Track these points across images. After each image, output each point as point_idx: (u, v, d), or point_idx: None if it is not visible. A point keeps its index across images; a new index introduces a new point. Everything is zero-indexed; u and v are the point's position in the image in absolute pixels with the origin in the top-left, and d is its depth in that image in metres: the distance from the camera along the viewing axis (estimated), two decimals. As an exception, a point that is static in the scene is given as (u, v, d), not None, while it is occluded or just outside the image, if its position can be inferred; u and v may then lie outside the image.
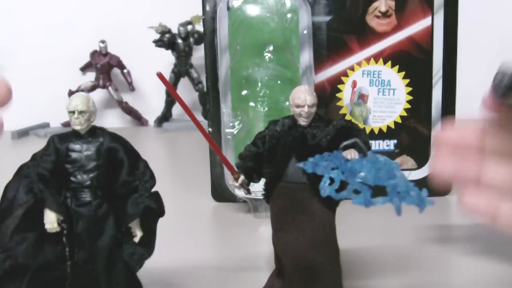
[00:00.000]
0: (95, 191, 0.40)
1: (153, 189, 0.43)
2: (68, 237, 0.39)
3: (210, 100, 0.73)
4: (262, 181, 0.46)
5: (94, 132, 0.41)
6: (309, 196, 0.42)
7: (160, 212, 0.43)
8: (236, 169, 0.46)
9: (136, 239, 0.42)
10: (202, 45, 1.20)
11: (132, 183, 0.41)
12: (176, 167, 1.03)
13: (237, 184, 0.46)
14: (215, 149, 0.48)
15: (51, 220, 0.39)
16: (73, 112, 0.40)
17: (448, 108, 0.74)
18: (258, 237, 0.63)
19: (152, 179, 0.42)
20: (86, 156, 0.40)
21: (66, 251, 0.39)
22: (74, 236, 0.39)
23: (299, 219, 0.42)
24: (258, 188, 0.67)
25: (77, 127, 0.40)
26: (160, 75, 0.43)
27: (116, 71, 1.47)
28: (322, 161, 0.37)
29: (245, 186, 0.46)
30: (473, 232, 0.61)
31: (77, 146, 0.40)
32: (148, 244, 0.43)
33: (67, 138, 0.40)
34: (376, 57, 0.73)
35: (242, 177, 0.46)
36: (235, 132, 0.71)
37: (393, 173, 0.37)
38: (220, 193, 0.74)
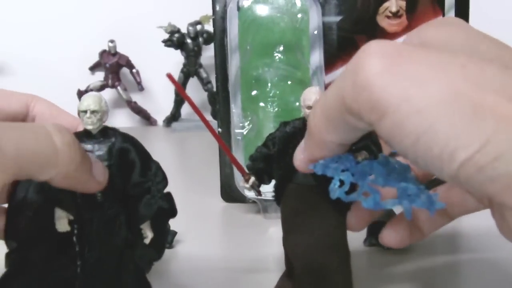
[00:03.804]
0: (106, 192, 0.39)
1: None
2: (79, 238, 0.39)
3: (219, 100, 0.73)
4: (272, 182, 0.46)
5: (106, 132, 0.40)
6: (320, 198, 0.41)
7: (172, 213, 0.42)
8: (246, 171, 0.46)
9: (147, 241, 0.41)
10: (212, 45, 1.20)
11: (145, 184, 0.40)
12: (185, 167, 1.03)
13: (247, 186, 0.46)
14: (225, 149, 0.48)
15: (62, 219, 0.38)
16: (85, 112, 0.39)
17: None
18: (267, 238, 0.63)
19: (164, 180, 0.41)
20: (98, 156, 0.40)
21: (76, 251, 0.39)
22: (85, 237, 0.39)
23: (309, 221, 0.42)
24: (268, 188, 0.66)
25: (89, 127, 0.40)
26: (169, 76, 0.43)
27: (125, 70, 1.47)
28: (332, 163, 0.37)
29: (256, 187, 0.46)
30: (482, 234, 0.61)
31: (88, 146, 0.40)
32: (158, 246, 0.42)
33: (78, 137, 0.39)
34: (386, 58, 0.73)
35: (252, 179, 0.45)
36: (245, 133, 0.71)
37: (404, 175, 0.36)
38: (230, 193, 0.74)
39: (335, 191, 0.36)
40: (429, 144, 0.26)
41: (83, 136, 0.40)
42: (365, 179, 0.36)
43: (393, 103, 0.27)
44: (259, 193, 0.47)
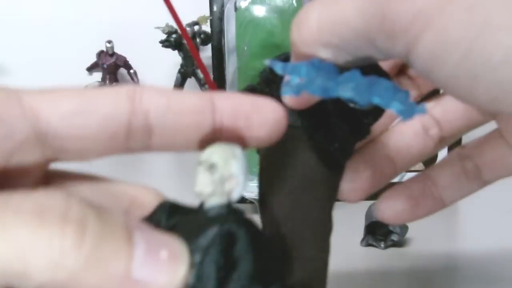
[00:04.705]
0: None
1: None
2: None
3: (217, 101, 0.73)
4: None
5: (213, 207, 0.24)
6: (303, 147, 0.31)
7: None
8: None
9: None
10: (209, 46, 1.20)
11: None
12: (182, 167, 1.03)
13: None
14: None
15: None
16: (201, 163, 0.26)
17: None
18: (264, 239, 0.63)
19: None
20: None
21: None
22: None
23: (283, 179, 0.32)
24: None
25: (198, 188, 0.26)
26: None
27: (122, 71, 1.47)
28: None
29: None
30: (480, 236, 0.61)
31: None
32: None
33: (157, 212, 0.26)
34: (384, 58, 0.73)
35: None
36: (242, 133, 0.71)
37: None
38: (227, 194, 0.73)
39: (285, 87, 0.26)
40: (488, 49, 0.19)
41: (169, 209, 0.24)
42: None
43: (437, 6, 0.21)
44: None
